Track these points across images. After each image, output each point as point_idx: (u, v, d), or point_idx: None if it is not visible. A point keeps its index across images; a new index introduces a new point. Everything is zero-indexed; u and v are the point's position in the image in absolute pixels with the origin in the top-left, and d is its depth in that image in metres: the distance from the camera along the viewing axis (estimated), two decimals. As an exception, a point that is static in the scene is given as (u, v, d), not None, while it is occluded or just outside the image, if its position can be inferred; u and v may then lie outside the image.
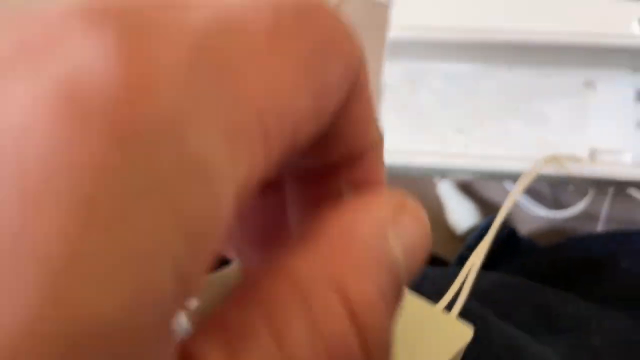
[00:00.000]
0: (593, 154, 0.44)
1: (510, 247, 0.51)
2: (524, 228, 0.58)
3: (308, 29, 0.09)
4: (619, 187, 0.51)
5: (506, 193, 0.59)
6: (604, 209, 0.55)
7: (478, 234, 0.52)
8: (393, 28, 0.46)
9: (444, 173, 0.47)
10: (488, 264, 0.49)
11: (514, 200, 0.37)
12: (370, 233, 0.10)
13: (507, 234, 0.51)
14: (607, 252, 0.41)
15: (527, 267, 0.46)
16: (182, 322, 0.11)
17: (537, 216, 0.58)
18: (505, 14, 0.48)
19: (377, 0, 0.47)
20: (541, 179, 0.40)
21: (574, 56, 0.43)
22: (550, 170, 0.40)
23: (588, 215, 0.57)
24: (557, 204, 0.58)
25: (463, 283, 0.26)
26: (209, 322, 0.09)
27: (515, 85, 0.45)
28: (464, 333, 0.15)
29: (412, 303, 0.15)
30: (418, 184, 0.61)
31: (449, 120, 0.45)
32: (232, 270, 0.14)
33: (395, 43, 0.44)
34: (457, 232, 0.56)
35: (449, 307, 0.24)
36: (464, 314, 0.20)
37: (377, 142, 0.12)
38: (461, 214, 0.55)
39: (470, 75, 0.45)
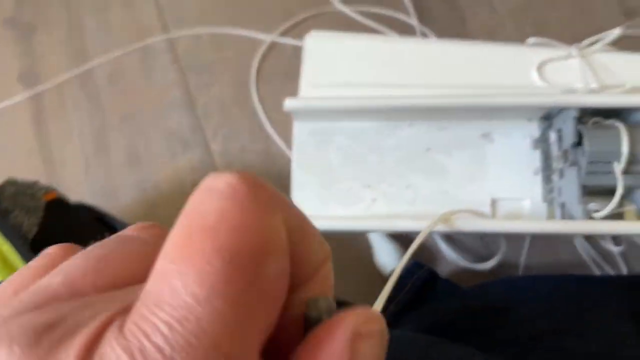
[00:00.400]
0: (494, 203, 0.46)
1: (431, 289, 0.53)
2: (445, 270, 0.59)
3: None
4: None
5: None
6: (524, 251, 0.57)
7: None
8: (300, 96, 0.48)
9: (351, 234, 0.48)
10: (410, 306, 0.51)
11: (409, 255, 0.38)
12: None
13: (428, 276, 0.52)
14: (504, 298, 0.43)
15: (440, 312, 0.47)
16: None
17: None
18: (405, 73, 0.51)
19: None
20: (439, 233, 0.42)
21: (471, 112, 0.45)
22: (446, 227, 0.42)
23: (508, 262, 0.58)
24: (481, 250, 0.60)
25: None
26: None
27: (416, 140, 0.47)
28: None
29: None
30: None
31: (356, 175, 0.46)
32: None
33: (300, 111, 0.46)
34: (384, 273, 0.57)
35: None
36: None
37: (327, 255, 0.14)
38: (388, 256, 0.57)
39: (373, 131, 0.47)
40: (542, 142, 0.46)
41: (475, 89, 0.48)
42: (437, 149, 0.47)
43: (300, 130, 0.47)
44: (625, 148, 0.39)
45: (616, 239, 0.52)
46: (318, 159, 0.47)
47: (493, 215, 0.45)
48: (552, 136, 0.45)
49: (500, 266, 0.59)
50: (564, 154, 0.42)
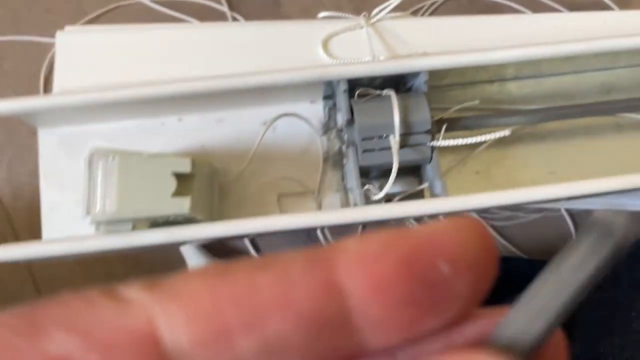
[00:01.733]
0: (280, 199, 0.40)
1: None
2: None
3: None
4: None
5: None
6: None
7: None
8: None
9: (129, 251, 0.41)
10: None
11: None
12: None
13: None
14: None
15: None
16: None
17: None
18: (182, 66, 0.44)
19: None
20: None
21: (240, 97, 0.39)
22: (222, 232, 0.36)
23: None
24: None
25: None
26: None
27: (189, 137, 0.40)
28: None
29: None
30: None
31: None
32: None
33: (40, 112, 0.38)
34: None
35: None
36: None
37: None
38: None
39: (136, 130, 0.40)
40: (328, 126, 0.41)
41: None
42: (213, 144, 0.40)
43: (46, 139, 0.40)
44: (397, 118, 0.34)
45: (419, 221, 0.48)
46: (72, 172, 0.39)
47: (280, 211, 0.40)
48: (337, 117, 0.40)
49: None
50: (338, 134, 0.37)
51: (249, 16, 0.65)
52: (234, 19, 0.64)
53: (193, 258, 0.51)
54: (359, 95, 0.36)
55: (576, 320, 0.35)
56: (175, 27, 0.48)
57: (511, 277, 0.43)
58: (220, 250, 0.53)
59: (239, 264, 0.09)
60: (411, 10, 0.64)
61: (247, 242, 0.53)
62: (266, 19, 0.64)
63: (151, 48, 0.44)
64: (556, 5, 0.66)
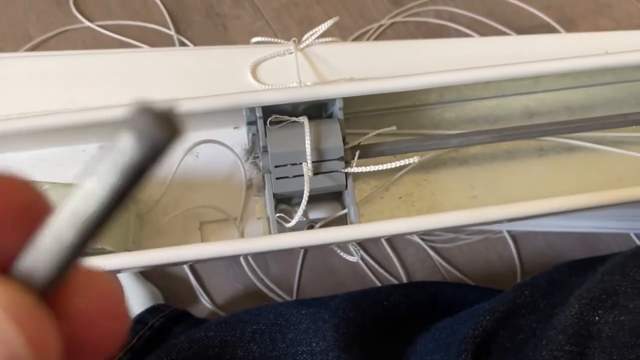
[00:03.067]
0: (202, 227, 0.40)
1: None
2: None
3: None
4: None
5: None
6: (297, 271, 0.52)
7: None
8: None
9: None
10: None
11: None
12: None
13: (168, 320, 0.46)
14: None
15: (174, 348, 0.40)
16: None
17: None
18: (107, 92, 0.44)
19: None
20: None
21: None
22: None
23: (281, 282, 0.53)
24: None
25: None
26: None
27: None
28: None
29: None
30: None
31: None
32: None
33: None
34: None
35: None
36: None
37: None
38: (134, 300, 0.49)
39: (57, 158, 0.40)
40: (252, 151, 0.41)
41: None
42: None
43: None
44: (308, 146, 0.34)
45: (346, 249, 0.48)
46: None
47: (202, 240, 0.39)
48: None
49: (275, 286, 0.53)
50: (255, 161, 0.37)
51: (197, 41, 0.65)
52: (182, 44, 0.64)
53: (129, 285, 0.51)
54: (273, 122, 0.36)
55: (490, 345, 0.35)
56: (107, 52, 0.48)
57: (439, 300, 0.43)
58: (159, 276, 0.53)
59: None
60: (357, 33, 0.65)
61: (185, 267, 0.53)
62: (212, 44, 0.64)
63: (82, 74, 0.44)
64: (504, 29, 0.67)
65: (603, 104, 0.42)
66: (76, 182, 0.09)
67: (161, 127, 0.09)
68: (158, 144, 0.09)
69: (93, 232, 0.10)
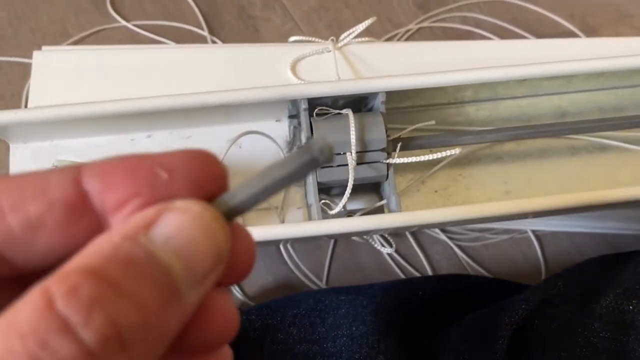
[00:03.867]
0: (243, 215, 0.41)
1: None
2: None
3: None
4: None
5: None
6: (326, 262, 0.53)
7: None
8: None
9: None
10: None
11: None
12: (113, 239, 0.13)
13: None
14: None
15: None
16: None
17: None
18: (156, 85, 0.46)
19: None
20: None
21: (207, 114, 0.41)
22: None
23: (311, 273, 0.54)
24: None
25: None
26: None
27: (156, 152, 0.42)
28: None
29: None
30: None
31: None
32: None
33: (12, 125, 0.39)
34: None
35: None
36: None
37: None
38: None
39: (107, 146, 0.42)
40: (293, 144, 0.42)
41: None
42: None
43: (18, 154, 0.41)
44: (353, 136, 0.36)
45: (386, 239, 0.49)
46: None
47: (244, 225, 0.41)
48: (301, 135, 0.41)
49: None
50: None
51: (229, 41, 0.67)
52: (214, 43, 0.66)
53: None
54: (319, 114, 0.38)
55: (526, 334, 0.36)
56: (153, 47, 0.50)
57: (472, 293, 0.44)
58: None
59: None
60: (385, 37, 0.67)
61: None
62: (244, 43, 0.66)
63: (128, 68, 0.46)
64: (525, 34, 0.69)
65: (634, 105, 0.43)
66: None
67: (323, 155, 0.14)
68: (316, 164, 0.14)
69: (265, 195, 0.14)
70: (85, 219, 0.13)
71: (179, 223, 0.13)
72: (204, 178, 0.14)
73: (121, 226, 0.13)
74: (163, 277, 0.12)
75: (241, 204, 0.14)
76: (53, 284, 0.11)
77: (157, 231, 0.13)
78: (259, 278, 0.55)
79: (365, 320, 0.36)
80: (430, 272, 0.55)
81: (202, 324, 0.14)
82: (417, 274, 0.55)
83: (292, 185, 0.42)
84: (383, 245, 0.47)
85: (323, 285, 0.55)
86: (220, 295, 0.15)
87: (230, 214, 0.14)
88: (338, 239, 0.56)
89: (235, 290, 0.54)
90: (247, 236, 0.15)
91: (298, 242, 0.53)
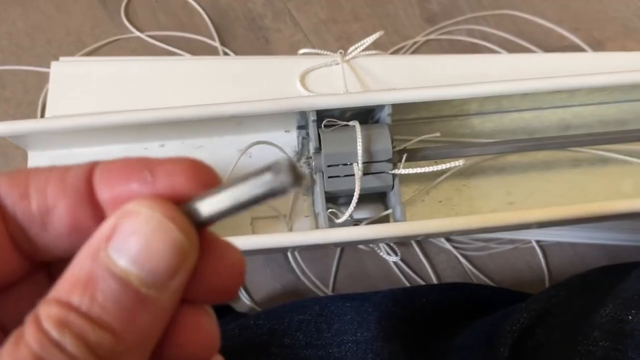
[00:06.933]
0: (254, 222, 0.42)
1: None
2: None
3: None
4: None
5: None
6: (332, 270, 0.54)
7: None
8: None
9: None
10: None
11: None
12: (82, 259, 0.14)
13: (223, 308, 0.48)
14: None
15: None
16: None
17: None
18: (169, 96, 0.47)
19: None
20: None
21: (218, 125, 0.42)
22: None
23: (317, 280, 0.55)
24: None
25: None
26: None
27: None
28: None
29: None
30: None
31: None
32: None
33: (30, 135, 0.41)
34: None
35: None
36: None
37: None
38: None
39: (121, 155, 0.43)
40: (301, 154, 0.43)
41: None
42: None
43: (36, 161, 0.42)
44: (359, 147, 0.37)
45: (392, 248, 0.50)
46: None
47: (253, 233, 0.42)
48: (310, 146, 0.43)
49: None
50: (307, 161, 0.40)
51: (240, 52, 0.68)
52: (226, 55, 0.67)
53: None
54: (327, 126, 0.39)
55: (527, 341, 0.36)
56: (166, 59, 0.52)
57: (476, 301, 0.45)
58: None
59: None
60: (392, 49, 0.68)
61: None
62: (255, 55, 0.67)
63: (141, 79, 0.48)
64: (531, 46, 0.70)
65: (636, 119, 0.44)
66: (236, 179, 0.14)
67: (291, 178, 0.13)
68: (285, 187, 0.13)
69: (230, 212, 0.15)
70: (90, 209, 0.15)
71: (132, 228, 0.14)
72: (187, 182, 0.15)
73: (89, 241, 0.14)
74: (122, 288, 0.13)
75: (207, 205, 0.15)
76: (40, 309, 0.13)
77: (115, 241, 0.14)
78: (267, 285, 0.56)
79: (370, 327, 0.37)
80: (435, 281, 0.56)
81: (180, 341, 0.15)
82: (422, 282, 0.56)
83: (300, 195, 0.43)
84: (389, 254, 0.48)
85: (329, 292, 0.56)
86: (200, 313, 0.16)
87: (198, 215, 0.15)
88: (344, 247, 0.57)
89: (243, 296, 0.55)
90: (233, 251, 0.16)
91: (305, 250, 0.54)
